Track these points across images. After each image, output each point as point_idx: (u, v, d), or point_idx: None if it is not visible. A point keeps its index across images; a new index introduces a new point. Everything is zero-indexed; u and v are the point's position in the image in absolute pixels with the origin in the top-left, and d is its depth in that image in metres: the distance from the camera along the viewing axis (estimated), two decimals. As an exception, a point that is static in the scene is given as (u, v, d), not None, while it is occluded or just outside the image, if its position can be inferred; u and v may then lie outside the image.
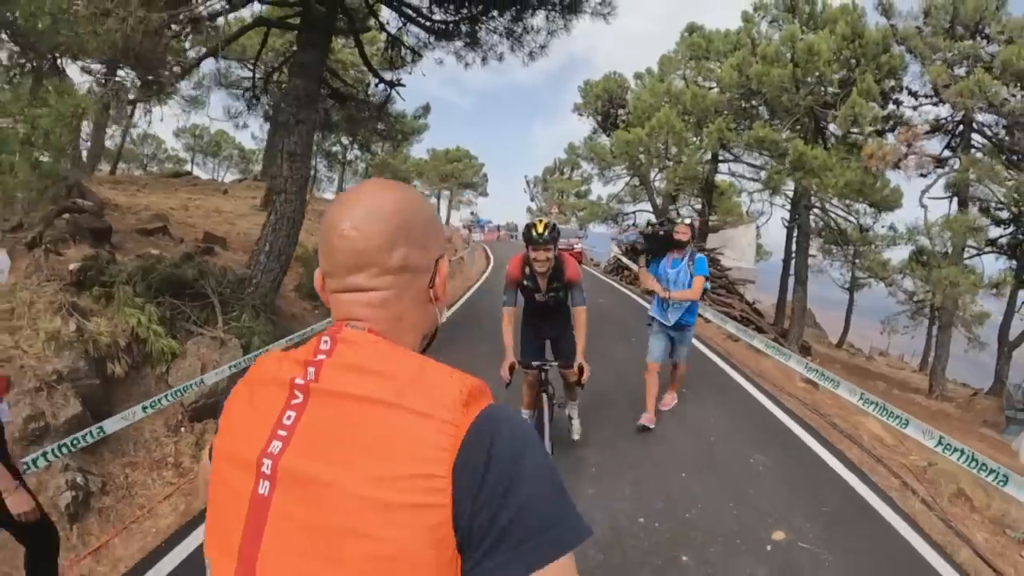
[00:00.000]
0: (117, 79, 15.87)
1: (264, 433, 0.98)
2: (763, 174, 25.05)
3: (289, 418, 0.98)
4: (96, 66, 18.10)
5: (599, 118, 34.69)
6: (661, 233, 6.90)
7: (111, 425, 5.63)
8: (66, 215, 9.56)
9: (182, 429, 6.96)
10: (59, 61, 14.89)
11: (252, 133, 30.69)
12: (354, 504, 0.87)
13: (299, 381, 1.00)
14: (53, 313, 6.82)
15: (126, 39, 7.79)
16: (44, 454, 4.99)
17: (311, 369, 1.01)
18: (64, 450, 5.16)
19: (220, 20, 10.94)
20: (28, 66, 14.56)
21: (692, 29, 27.05)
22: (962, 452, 5.42)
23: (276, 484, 0.94)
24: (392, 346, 1.05)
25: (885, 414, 6.77)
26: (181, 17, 8.80)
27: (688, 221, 7.16)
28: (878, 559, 5.02)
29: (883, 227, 24.02)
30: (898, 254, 23.17)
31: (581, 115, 35.23)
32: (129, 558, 4.95)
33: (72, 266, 7.79)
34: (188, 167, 50.37)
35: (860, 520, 5.67)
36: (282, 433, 0.97)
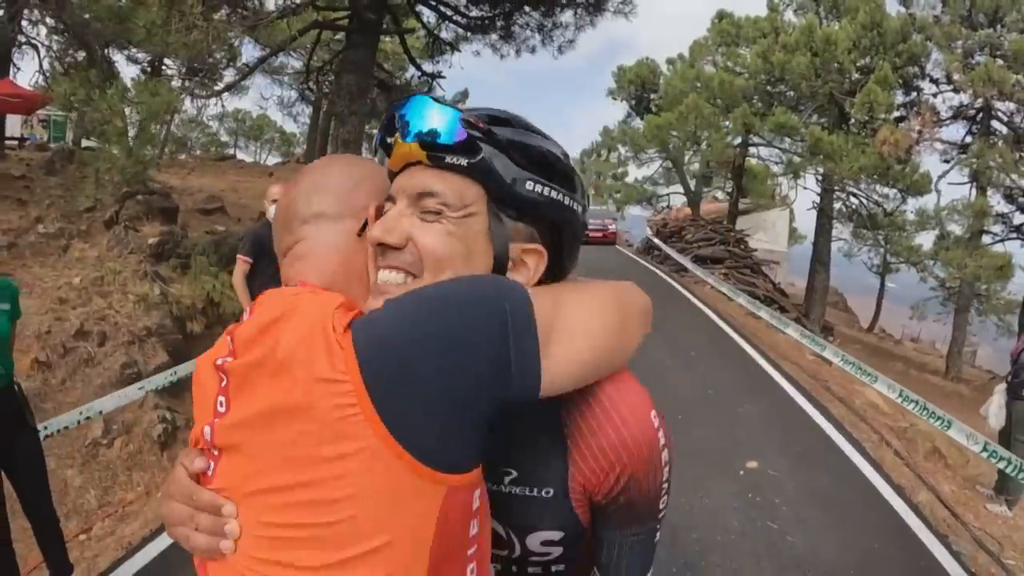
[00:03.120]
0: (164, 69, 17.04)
1: (205, 421, 0.91)
2: (785, 158, 25.64)
3: (222, 404, 0.89)
4: (141, 55, 19.28)
5: (632, 102, 35.16)
6: None
7: (183, 369, 6.71)
8: (138, 196, 10.70)
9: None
10: (107, 51, 15.69)
11: (296, 118, 31.61)
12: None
13: (219, 360, 0.91)
14: (140, 279, 7.98)
15: (195, 44, 8.87)
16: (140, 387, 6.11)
17: (229, 337, 0.92)
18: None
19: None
20: (80, 56, 15.36)
21: (722, 16, 27.47)
22: (916, 403, 6.29)
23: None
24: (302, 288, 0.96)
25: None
26: (241, 21, 9.86)
27: None
28: (837, 490, 5.93)
29: (911, 212, 24.33)
30: (930, 239, 23.44)
31: (615, 99, 35.72)
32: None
33: (151, 240, 8.95)
34: (231, 150, 51.64)
35: (828, 460, 6.57)
36: (215, 421, 0.89)
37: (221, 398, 0.88)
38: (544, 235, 1.03)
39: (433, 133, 0.94)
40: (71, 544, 4.35)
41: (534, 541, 1.03)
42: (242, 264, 5.29)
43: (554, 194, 1.00)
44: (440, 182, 0.94)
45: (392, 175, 1.03)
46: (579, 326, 0.90)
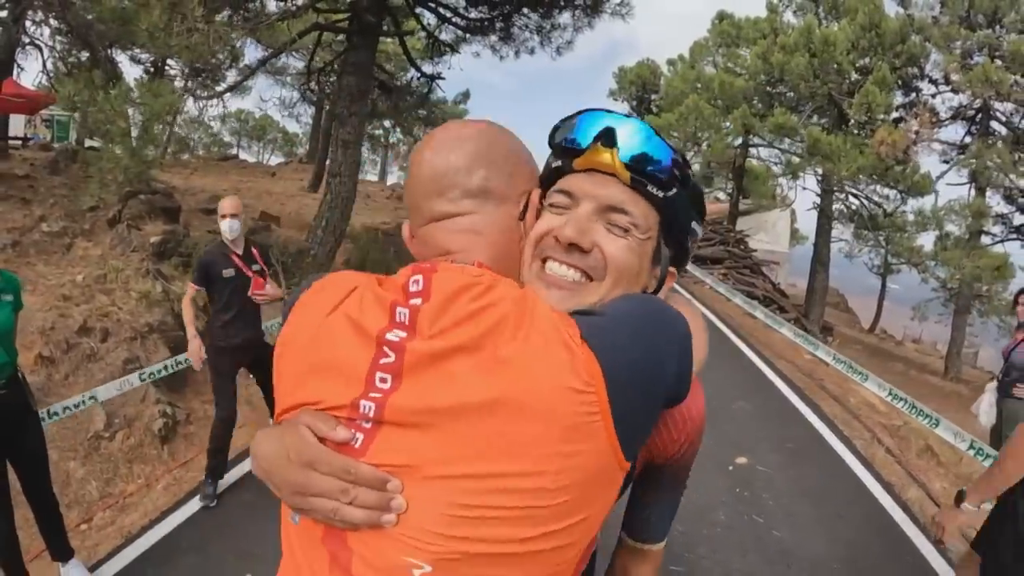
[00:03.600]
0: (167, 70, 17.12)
1: (353, 387, 0.91)
2: (784, 158, 25.75)
3: (384, 380, 0.89)
4: (144, 56, 19.43)
5: (634, 103, 35.33)
6: None
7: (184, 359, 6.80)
8: (140, 195, 10.81)
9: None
10: (110, 52, 15.75)
11: (298, 118, 31.79)
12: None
13: (388, 335, 0.90)
14: (142, 277, 8.10)
15: (197, 47, 8.99)
16: (141, 376, 6.22)
17: (402, 311, 0.92)
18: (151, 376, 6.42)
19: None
20: (83, 57, 15.45)
21: (722, 17, 27.62)
22: (905, 400, 6.38)
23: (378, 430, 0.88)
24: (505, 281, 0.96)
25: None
26: (243, 23, 9.99)
27: None
28: (825, 486, 6.02)
29: (911, 212, 24.32)
30: (931, 240, 23.43)
31: (616, 100, 35.87)
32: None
33: (153, 239, 9.07)
34: (233, 151, 51.83)
35: (818, 457, 6.67)
36: (375, 395, 0.89)
37: (383, 374, 0.89)
38: (677, 257, 1.16)
39: (648, 161, 1.03)
40: (73, 533, 4.44)
41: None
42: (191, 290, 5.48)
43: (700, 231, 1.17)
44: (633, 203, 1.04)
45: (560, 171, 1.10)
46: (697, 343, 1.05)
